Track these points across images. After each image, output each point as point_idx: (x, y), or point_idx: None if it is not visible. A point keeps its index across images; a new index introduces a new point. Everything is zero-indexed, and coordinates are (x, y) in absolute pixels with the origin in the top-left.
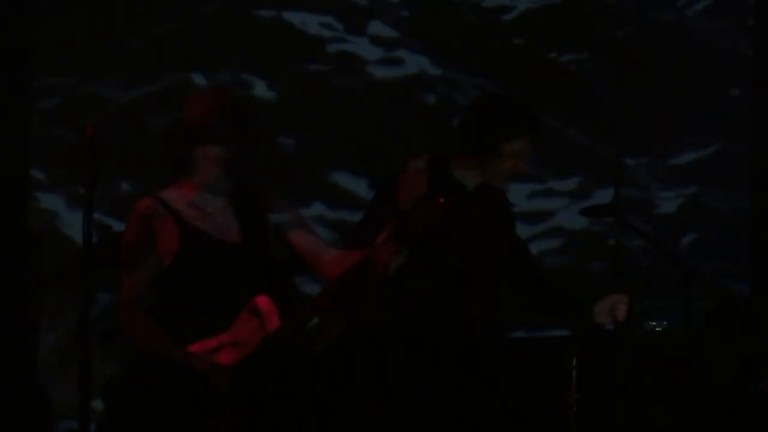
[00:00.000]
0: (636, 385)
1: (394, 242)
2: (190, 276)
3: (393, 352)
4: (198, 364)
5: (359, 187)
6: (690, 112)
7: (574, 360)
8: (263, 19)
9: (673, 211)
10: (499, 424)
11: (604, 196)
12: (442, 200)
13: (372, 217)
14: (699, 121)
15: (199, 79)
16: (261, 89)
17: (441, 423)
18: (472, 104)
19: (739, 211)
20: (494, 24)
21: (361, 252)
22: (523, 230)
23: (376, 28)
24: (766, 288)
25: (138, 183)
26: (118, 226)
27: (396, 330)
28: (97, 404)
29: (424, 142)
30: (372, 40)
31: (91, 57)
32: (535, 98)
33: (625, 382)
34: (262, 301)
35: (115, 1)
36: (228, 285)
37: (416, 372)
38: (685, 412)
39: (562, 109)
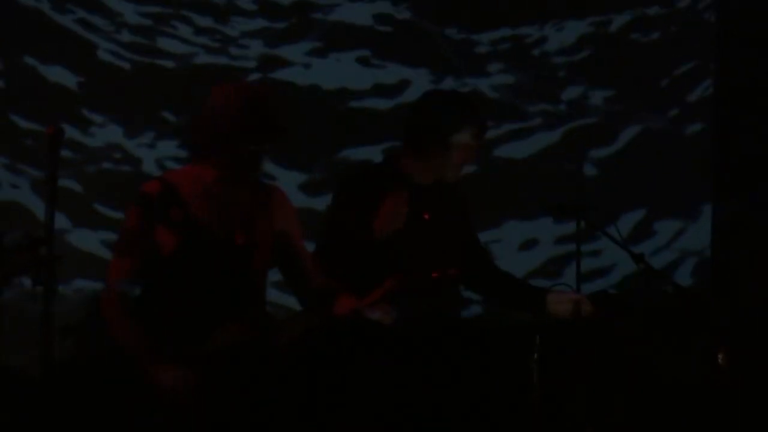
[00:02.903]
0: (597, 378)
1: (389, 304)
2: (186, 271)
3: (347, 347)
4: (160, 377)
5: None
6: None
7: (536, 355)
8: None
9: None
10: (459, 421)
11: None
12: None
13: (340, 236)
14: None
15: None
16: None
17: (398, 420)
18: (417, 100)
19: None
20: None
21: (350, 300)
22: None
23: None
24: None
25: None
26: None
27: (350, 326)
28: None
29: None
30: None
31: None
32: None
33: (587, 375)
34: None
35: None
36: (223, 285)
37: (371, 367)
38: (646, 403)
39: None
